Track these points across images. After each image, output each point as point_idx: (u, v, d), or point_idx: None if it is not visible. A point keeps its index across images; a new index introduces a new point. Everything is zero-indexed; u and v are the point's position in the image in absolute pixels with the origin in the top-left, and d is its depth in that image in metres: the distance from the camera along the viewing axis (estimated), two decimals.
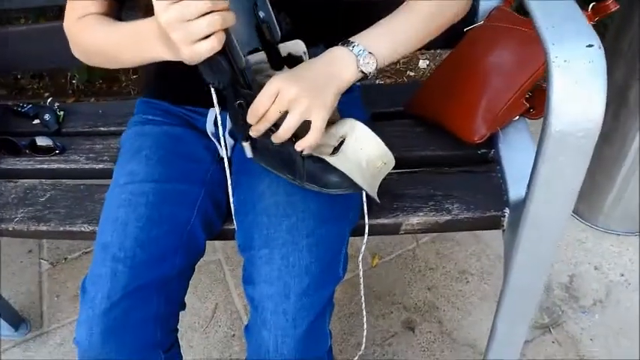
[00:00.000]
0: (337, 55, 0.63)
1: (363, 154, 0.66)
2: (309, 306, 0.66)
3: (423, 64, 1.97)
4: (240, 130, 0.69)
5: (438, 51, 2.02)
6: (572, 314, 1.16)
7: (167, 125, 0.82)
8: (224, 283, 1.31)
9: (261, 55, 0.66)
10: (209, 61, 0.58)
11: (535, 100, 0.87)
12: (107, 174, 0.98)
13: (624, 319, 1.14)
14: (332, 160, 0.64)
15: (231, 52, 0.59)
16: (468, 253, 1.31)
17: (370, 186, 0.67)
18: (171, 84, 0.84)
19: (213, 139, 0.83)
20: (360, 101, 0.89)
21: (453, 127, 0.86)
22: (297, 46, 0.66)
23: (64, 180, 0.99)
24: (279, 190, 0.71)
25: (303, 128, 0.63)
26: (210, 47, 0.55)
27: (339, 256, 0.72)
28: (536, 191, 0.64)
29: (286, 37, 0.65)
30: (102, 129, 1.10)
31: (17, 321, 1.25)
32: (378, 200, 0.67)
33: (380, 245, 1.35)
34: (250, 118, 0.62)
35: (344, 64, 0.62)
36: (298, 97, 0.59)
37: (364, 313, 0.85)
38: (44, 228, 0.90)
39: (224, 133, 0.78)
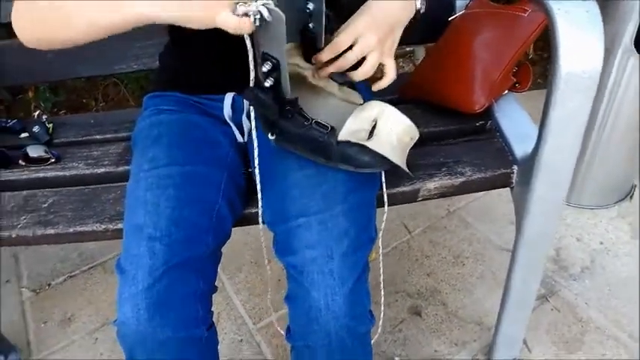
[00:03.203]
0: None
1: (394, 133, 0.73)
2: (351, 265, 0.68)
3: None
4: (269, 117, 0.69)
5: (401, 64, 2.16)
6: (564, 283, 1.24)
7: (183, 113, 0.83)
8: (223, 291, 1.29)
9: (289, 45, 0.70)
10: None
11: (519, 75, 0.96)
12: (111, 178, 0.98)
13: (611, 281, 1.23)
14: (370, 144, 0.69)
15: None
16: (460, 239, 1.37)
17: (402, 162, 0.72)
18: (183, 73, 0.86)
19: (230, 122, 0.85)
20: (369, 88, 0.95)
21: (453, 102, 0.93)
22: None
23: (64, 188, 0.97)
24: (306, 165, 0.74)
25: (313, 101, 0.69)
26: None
27: (371, 219, 0.75)
28: (549, 137, 0.71)
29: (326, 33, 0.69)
30: (97, 137, 1.09)
31: (6, 348, 1.16)
32: (409, 172, 0.72)
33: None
34: (326, 53, 0.65)
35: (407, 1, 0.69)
36: (376, 47, 0.65)
37: (382, 291, 0.87)
38: (51, 231, 0.87)
39: (245, 114, 0.81)
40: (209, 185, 0.76)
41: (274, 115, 0.65)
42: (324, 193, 0.71)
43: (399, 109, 1.02)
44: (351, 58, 0.66)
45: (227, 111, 0.84)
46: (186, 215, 0.71)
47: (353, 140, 0.70)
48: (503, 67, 0.91)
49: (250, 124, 0.85)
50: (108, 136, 1.08)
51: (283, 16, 0.54)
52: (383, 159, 0.70)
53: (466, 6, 1.04)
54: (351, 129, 0.71)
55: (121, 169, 0.98)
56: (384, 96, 1.06)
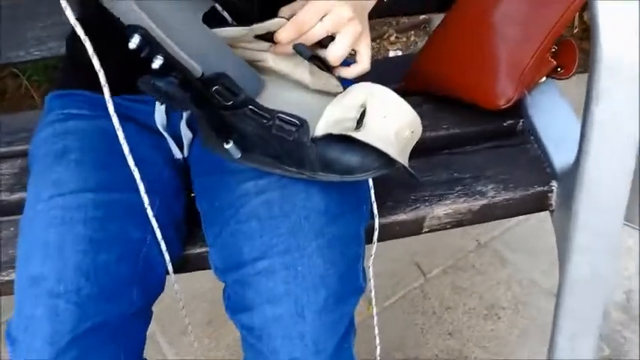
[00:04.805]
0: None
1: (390, 123, 0.71)
2: (331, 325, 0.70)
3: (392, 54, 2.13)
4: (216, 127, 0.72)
5: (412, 39, 2.20)
6: (637, 341, 1.26)
7: (99, 119, 0.85)
8: None
9: (231, 31, 0.72)
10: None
11: (561, 56, 0.99)
12: (1, 209, 0.99)
13: None
14: (359, 135, 0.68)
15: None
16: (494, 282, 1.39)
17: (404, 160, 0.72)
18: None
19: (164, 133, 0.86)
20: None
21: (470, 95, 0.96)
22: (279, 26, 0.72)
23: None
24: (269, 186, 0.75)
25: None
26: None
27: (358, 261, 0.77)
28: (592, 140, 0.73)
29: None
30: None
31: None
32: (414, 174, 0.72)
33: (374, 285, 1.39)
34: (287, 34, 0.69)
35: None
36: (354, 18, 0.68)
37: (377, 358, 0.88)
38: None
39: (184, 121, 0.84)
40: (133, 218, 0.78)
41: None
42: (293, 226, 0.73)
43: None
44: (318, 32, 0.69)
45: (160, 117, 0.86)
46: (103, 262, 0.73)
47: (335, 132, 0.69)
48: (538, 47, 0.93)
49: (191, 134, 0.87)
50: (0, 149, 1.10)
51: None
52: (379, 157, 0.69)
53: None
54: (332, 119, 0.71)
55: (16, 196, 1.00)
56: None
